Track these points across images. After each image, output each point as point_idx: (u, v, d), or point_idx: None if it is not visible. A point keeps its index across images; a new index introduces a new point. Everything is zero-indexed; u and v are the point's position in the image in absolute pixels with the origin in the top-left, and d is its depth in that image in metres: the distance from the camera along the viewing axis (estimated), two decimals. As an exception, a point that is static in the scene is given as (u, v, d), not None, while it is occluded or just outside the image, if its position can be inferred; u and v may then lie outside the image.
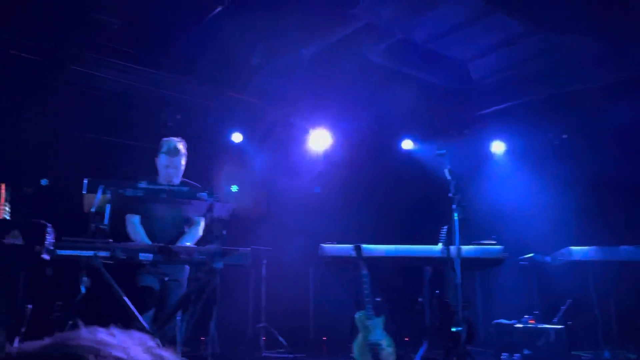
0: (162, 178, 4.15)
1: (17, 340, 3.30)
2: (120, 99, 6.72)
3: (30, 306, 3.61)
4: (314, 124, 7.67)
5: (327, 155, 7.79)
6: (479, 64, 6.45)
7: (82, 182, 3.50)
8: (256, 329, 6.30)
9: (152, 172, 4.29)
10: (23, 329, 3.47)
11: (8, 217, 3.52)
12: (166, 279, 4.00)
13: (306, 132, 7.75)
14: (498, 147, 7.66)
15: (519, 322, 5.43)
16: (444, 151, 4.24)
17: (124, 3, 5.22)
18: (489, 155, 7.69)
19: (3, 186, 3.47)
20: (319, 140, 7.72)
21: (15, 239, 3.19)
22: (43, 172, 6.26)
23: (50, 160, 6.40)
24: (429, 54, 6.29)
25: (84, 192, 3.31)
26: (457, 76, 6.81)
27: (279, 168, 7.65)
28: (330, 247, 4.80)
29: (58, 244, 3.21)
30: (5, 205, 3.47)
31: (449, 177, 4.08)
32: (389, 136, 8.01)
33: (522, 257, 5.95)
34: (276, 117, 7.72)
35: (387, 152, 7.98)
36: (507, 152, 7.60)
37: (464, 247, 4.44)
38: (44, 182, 5.44)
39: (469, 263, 4.55)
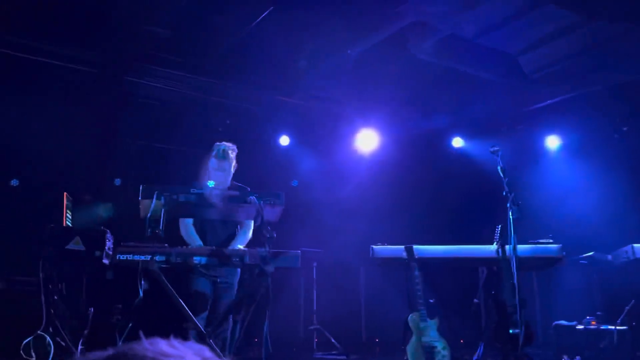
0: (212, 182, 4.22)
1: (80, 342, 3.44)
2: (171, 107, 6.92)
3: (92, 309, 3.76)
4: (361, 125, 7.64)
5: (375, 155, 7.74)
6: (530, 57, 6.26)
7: (135, 188, 3.61)
8: (308, 330, 6.33)
9: (203, 177, 4.39)
10: (86, 332, 3.62)
11: (70, 224, 3.68)
12: (218, 281, 4.08)
13: (354, 132, 7.73)
14: (553, 142, 7.41)
15: (580, 324, 5.22)
16: (497, 148, 4.13)
17: (174, 13, 5.35)
18: (544, 151, 7.44)
19: (65, 195, 3.62)
20: (367, 140, 7.69)
21: (77, 245, 3.32)
22: (100, 179, 6.53)
23: (107, 167, 6.67)
24: (478, 48, 6.15)
25: (139, 198, 3.41)
26: (508, 70, 6.63)
27: (326, 169, 7.66)
28: (381, 249, 4.76)
29: (117, 249, 3.33)
30: (68, 213, 3.62)
31: (502, 175, 3.97)
32: (438, 134, 7.88)
33: (581, 255, 5.72)
34: (323, 119, 7.74)
35: (436, 150, 7.86)
36: (563, 147, 7.34)
37: (520, 247, 4.31)
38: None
39: (526, 263, 4.40)
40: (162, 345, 0.79)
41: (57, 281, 3.44)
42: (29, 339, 3.25)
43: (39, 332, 3.24)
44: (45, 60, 5.83)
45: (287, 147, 7.78)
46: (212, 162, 4.20)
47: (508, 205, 3.80)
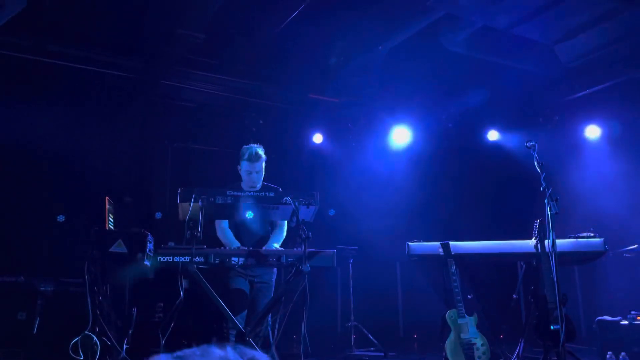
0: (245, 183, 4.28)
1: (125, 342, 3.54)
2: (206, 108, 7.04)
3: (135, 310, 3.87)
4: (395, 120, 7.60)
5: (408, 150, 7.69)
6: (566, 46, 6.09)
7: (172, 189, 3.69)
8: (346, 327, 6.35)
9: (237, 177, 4.45)
10: (130, 332, 3.73)
11: (113, 228, 3.78)
12: (256, 280, 4.13)
13: (387, 128, 7.69)
14: (592, 132, 7.19)
15: (625, 319, 5.07)
16: (533, 143, 4.04)
17: (207, 17, 5.43)
18: (583, 141, 7.24)
19: (107, 199, 3.73)
20: (400, 136, 7.64)
21: (119, 247, 3.43)
22: (138, 181, 6.70)
23: (145, 169, 6.84)
24: (512, 39, 6.02)
25: (178, 201, 3.48)
26: (544, 61, 6.48)
27: (360, 166, 7.65)
28: (417, 245, 4.73)
29: (158, 251, 3.41)
30: (110, 217, 3.73)
31: (539, 171, 3.88)
32: (473, 128, 7.76)
33: (625, 249, 5.55)
34: (356, 116, 7.73)
35: (471, 144, 7.74)
36: (603, 137, 7.11)
37: (561, 241, 4.21)
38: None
39: (567, 257, 4.31)
40: (216, 353, 0.81)
41: (101, 283, 3.55)
42: (76, 339, 3.37)
43: (86, 332, 3.35)
44: (84, 67, 6.01)
45: (320, 145, 7.80)
46: (245, 165, 4.24)
47: (546, 200, 3.72)
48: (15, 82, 5.76)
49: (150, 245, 3.62)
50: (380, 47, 6.20)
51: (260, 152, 4.29)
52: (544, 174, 3.82)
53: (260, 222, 4.23)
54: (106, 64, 6.08)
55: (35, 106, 5.83)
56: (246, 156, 4.23)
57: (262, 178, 4.32)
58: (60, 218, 5.56)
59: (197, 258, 3.38)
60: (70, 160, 5.88)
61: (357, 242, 6.72)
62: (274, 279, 4.29)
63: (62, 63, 5.89)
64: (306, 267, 3.39)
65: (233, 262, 3.53)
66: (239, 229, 4.24)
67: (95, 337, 3.33)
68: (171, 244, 3.59)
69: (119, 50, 6.00)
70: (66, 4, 5.27)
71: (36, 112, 5.79)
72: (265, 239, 4.25)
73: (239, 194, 3.59)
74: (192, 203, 3.44)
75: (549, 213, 3.66)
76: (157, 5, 5.34)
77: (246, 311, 4.06)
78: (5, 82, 5.68)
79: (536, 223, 4.25)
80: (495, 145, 7.67)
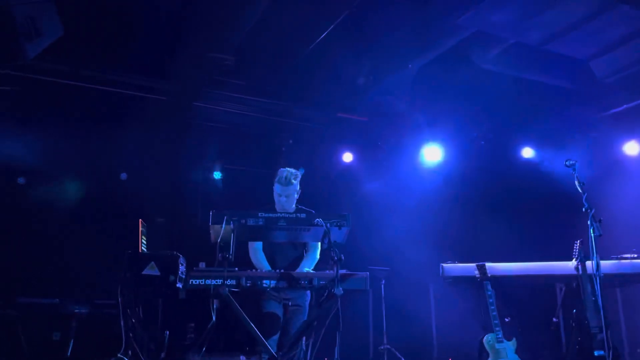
0: (277, 205, 4.29)
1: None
2: (236, 129, 7.12)
3: (167, 333, 3.88)
4: (426, 138, 7.54)
5: (440, 169, 7.60)
6: (602, 61, 5.96)
7: (204, 210, 3.71)
8: (378, 351, 6.25)
9: (271, 197, 4.46)
10: (163, 355, 3.74)
11: (146, 250, 3.82)
12: (290, 304, 4.10)
13: (418, 147, 7.63)
14: (632, 148, 6.99)
15: (673, 345, 4.85)
16: (573, 162, 3.93)
17: (237, 39, 5.51)
18: (622, 158, 7.04)
19: (140, 221, 3.78)
20: (432, 154, 7.57)
21: (152, 270, 3.45)
22: (171, 203, 6.79)
23: (177, 191, 6.93)
24: (545, 55, 5.93)
25: (210, 223, 3.50)
26: (579, 76, 6.35)
27: (391, 185, 7.59)
28: (452, 267, 4.64)
29: (190, 273, 3.42)
30: (143, 239, 3.77)
31: (580, 190, 3.77)
32: (506, 145, 7.63)
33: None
34: (386, 134, 7.70)
35: (505, 162, 7.60)
36: (643, 153, 6.91)
37: (602, 263, 4.07)
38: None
39: (609, 280, 4.17)
40: None
41: (134, 305, 3.58)
42: (110, 361, 3.39)
43: (119, 354, 3.37)
44: (117, 90, 6.16)
45: (350, 164, 7.78)
46: (277, 188, 4.25)
47: (589, 222, 3.60)
48: (51, 107, 5.93)
49: (182, 268, 3.64)
50: (410, 66, 6.18)
51: (292, 177, 4.26)
52: (586, 195, 3.71)
53: (292, 244, 4.22)
54: (139, 87, 6.22)
55: (69, 130, 5.99)
56: (277, 178, 4.24)
57: (294, 202, 4.30)
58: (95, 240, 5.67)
59: (228, 281, 3.38)
60: (104, 183, 6.00)
61: (389, 263, 6.64)
62: (307, 302, 4.26)
63: (96, 87, 6.05)
64: (339, 290, 3.35)
65: (264, 285, 3.52)
66: (272, 251, 4.24)
67: (128, 360, 3.35)
68: (202, 264, 3.60)
69: (152, 74, 6.13)
70: (100, 30, 5.42)
71: (69, 136, 5.95)
72: (298, 261, 4.24)
73: (270, 215, 3.58)
74: (223, 225, 3.45)
75: (592, 235, 3.55)
76: (189, 29, 5.45)
77: (278, 335, 4.03)
78: (42, 107, 5.86)
79: (576, 244, 4.13)
80: (529, 163, 7.52)
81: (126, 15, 5.20)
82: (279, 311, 4.04)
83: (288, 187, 4.22)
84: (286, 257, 4.25)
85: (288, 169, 4.33)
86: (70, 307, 4.35)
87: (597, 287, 3.60)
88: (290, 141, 7.40)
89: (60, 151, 5.87)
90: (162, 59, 5.86)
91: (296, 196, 4.30)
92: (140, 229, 3.77)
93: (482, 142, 7.71)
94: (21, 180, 5.89)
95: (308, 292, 4.25)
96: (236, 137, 7.09)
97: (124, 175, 6.07)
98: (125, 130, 6.26)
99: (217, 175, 6.90)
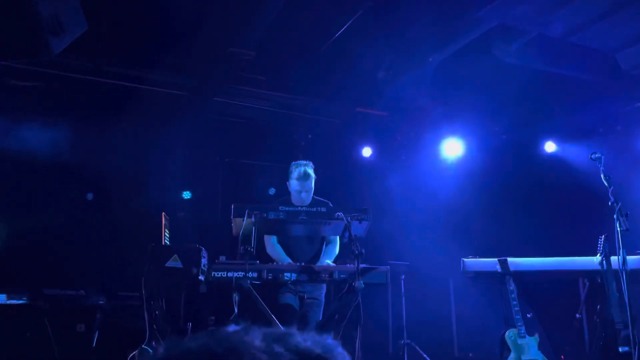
0: (295, 201, 4.31)
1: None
2: (255, 124, 7.17)
3: (190, 324, 3.94)
4: (446, 133, 7.50)
5: (461, 163, 7.56)
6: (629, 53, 5.85)
7: (224, 204, 3.74)
8: (398, 345, 6.25)
9: (286, 191, 4.50)
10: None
11: (169, 243, 3.88)
12: (306, 296, 4.13)
13: (438, 141, 7.60)
14: (658, 142, 6.86)
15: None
16: (599, 155, 3.88)
17: (258, 34, 5.54)
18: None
19: (163, 215, 3.84)
20: (452, 148, 7.53)
21: (175, 262, 3.51)
22: (192, 197, 6.87)
23: (197, 185, 7.00)
24: (569, 47, 5.84)
25: (232, 216, 3.54)
26: (604, 68, 6.25)
27: (410, 179, 7.58)
28: (473, 262, 4.62)
29: (212, 266, 3.47)
30: (166, 232, 3.83)
31: (606, 184, 3.72)
32: (528, 139, 7.55)
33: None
34: (406, 129, 7.68)
35: (527, 156, 7.53)
36: (670, 146, 6.78)
37: (630, 258, 4.02)
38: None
39: (636, 275, 4.10)
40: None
41: (158, 297, 3.64)
42: (134, 352, 3.46)
43: (143, 346, 3.43)
44: (138, 86, 6.23)
45: (369, 159, 7.78)
46: (295, 185, 4.28)
47: (615, 216, 3.55)
48: (72, 103, 6.03)
49: (204, 260, 3.69)
50: (430, 59, 6.15)
51: (310, 170, 4.31)
52: (612, 188, 3.65)
53: (312, 237, 4.25)
54: (160, 83, 6.29)
55: (92, 126, 6.09)
56: (295, 175, 4.27)
57: (312, 193, 4.34)
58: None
59: (250, 273, 3.42)
60: (127, 178, 6.09)
61: (409, 257, 6.64)
62: (323, 295, 4.30)
63: (117, 83, 6.14)
64: (359, 284, 3.37)
65: (286, 278, 3.55)
66: (290, 244, 4.28)
67: (152, 351, 3.40)
68: (222, 258, 3.65)
69: (172, 69, 6.20)
70: (122, 26, 5.50)
71: (92, 131, 6.05)
72: (317, 255, 4.27)
73: (291, 209, 3.62)
74: (245, 218, 3.49)
75: (618, 229, 3.50)
76: (210, 25, 5.49)
77: (295, 327, 4.07)
78: (63, 103, 5.96)
79: (601, 239, 4.08)
80: (552, 157, 7.43)
81: (147, 10, 5.27)
82: (295, 303, 4.08)
83: (307, 181, 4.25)
84: (303, 251, 4.30)
85: (300, 162, 4.36)
86: (95, 298, 4.44)
87: (623, 283, 3.56)
88: (310, 136, 7.42)
89: (81, 145, 5.97)
90: (183, 55, 5.93)
91: (313, 188, 4.33)
92: (163, 222, 3.83)
93: (504, 136, 7.64)
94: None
95: (324, 285, 4.29)
96: (255, 132, 7.13)
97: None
98: (147, 125, 6.35)
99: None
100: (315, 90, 6.88)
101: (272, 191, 6.77)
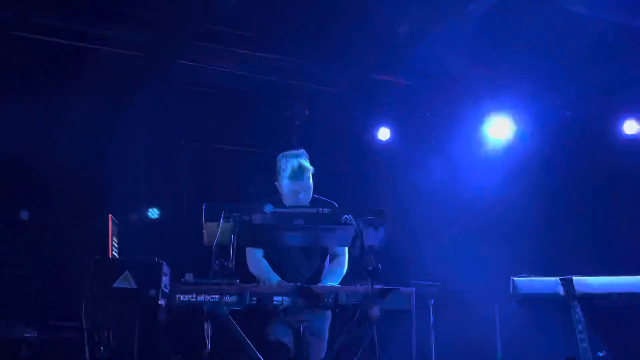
0: (288, 202, 4.31)
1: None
2: (233, 96, 7.16)
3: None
4: (490, 108, 7.50)
5: (510, 150, 7.56)
6: None
7: (190, 203, 3.74)
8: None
9: (274, 188, 4.50)
10: (141, 393, 3.81)
11: (117, 255, 3.88)
12: (302, 329, 4.12)
13: (479, 120, 7.60)
14: None
15: None
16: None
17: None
18: None
19: (111, 217, 3.83)
20: (498, 130, 7.53)
21: (126, 282, 3.51)
22: (147, 194, 6.87)
23: (156, 178, 7.00)
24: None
25: (203, 220, 3.53)
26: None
27: (442, 172, 7.59)
28: (526, 282, 4.61)
29: (176, 286, 3.47)
30: (114, 241, 3.83)
31: None
32: (601, 117, 7.54)
33: None
34: (436, 103, 7.68)
35: (599, 139, 7.52)
36: None
37: None
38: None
39: None
40: None
41: (103, 328, 3.65)
42: (72, 402, 3.47)
43: (83, 393, 3.45)
44: (75, 43, 6.19)
45: (387, 143, 7.79)
46: (288, 185, 4.27)
47: None
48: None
49: (165, 279, 3.69)
50: (470, 8, 6.14)
51: (305, 162, 4.29)
52: None
53: (311, 250, 4.26)
54: (104, 40, 6.25)
55: (14, 100, 6.06)
56: (288, 172, 4.24)
57: (311, 195, 4.34)
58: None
59: (228, 297, 3.41)
60: (59, 168, 6.08)
61: (440, 276, 6.65)
62: (326, 327, 4.29)
63: (49, 39, 6.10)
64: (374, 310, 3.36)
65: (276, 304, 3.54)
66: (281, 259, 4.27)
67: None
68: (189, 276, 3.64)
69: (121, 22, 6.15)
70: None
71: (13, 108, 6.03)
72: (317, 273, 4.29)
73: (284, 211, 3.61)
74: (221, 223, 3.48)
75: None
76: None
77: (289, 370, 4.08)
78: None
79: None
80: (633, 141, 7.43)
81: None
82: (288, 338, 4.06)
83: (304, 177, 4.26)
84: (299, 268, 4.29)
85: (289, 153, 4.34)
86: (20, 330, 4.45)
87: None
88: (307, 112, 7.41)
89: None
90: (140, 5, 5.87)
91: (311, 190, 4.32)
92: (110, 227, 3.82)
93: (568, 113, 7.64)
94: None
95: (328, 313, 4.28)
96: (234, 106, 7.12)
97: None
98: (86, 96, 6.32)
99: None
100: (315, 50, 6.87)
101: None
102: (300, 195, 4.25)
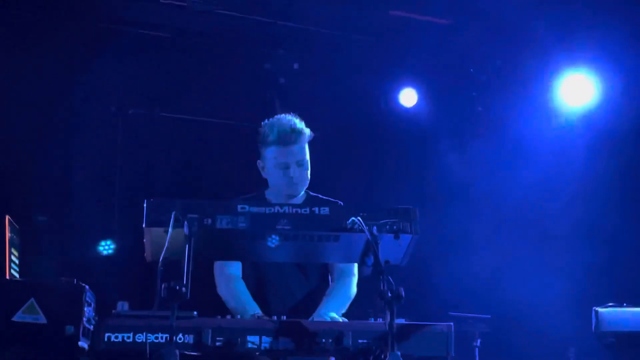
0: (274, 191, 4.35)
1: None
2: (190, 42, 7.14)
3: None
4: (564, 65, 7.50)
5: (587, 121, 7.56)
6: None
7: (126, 200, 3.69)
8: None
9: (255, 180, 4.51)
10: None
11: (17, 275, 3.86)
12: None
13: (548, 79, 7.60)
14: None
15: None
16: None
17: None
18: None
19: (8, 220, 3.81)
20: (575, 94, 7.53)
21: (32, 314, 3.49)
22: (62, 185, 6.85)
23: (75, 162, 6.98)
24: None
25: (144, 224, 3.51)
26: None
27: (492, 153, 7.59)
28: (615, 314, 4.65)
29: (106, 321, 3.45)
30: (13, 254, 3.80)
31: None
32: None
33: None
34: (486, 54, 7.67)
35: None
36: None
37: None
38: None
39: None
40: None
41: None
42: None
43: None
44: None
45: (413, 111, 7.79)
46: (272, 153, 4.27)
47: None
48: None
49: (89, 310, 3.67)
50: None
51: (301, 126, 4.31)
52: None
53: (304, 267, 4.29)
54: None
55: None
56: (274, 136, 4.24)
57: (309, 179, 4.34)
58: None
59: (181, 337, 3.40)
60: None
61: (490, 306, 6.67)
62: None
63: None
64: (395, 357, 3.36)
65: (250, 345, 3.54)
66: (262, 280, 4.32)
67: None
68: (124, 305, 3.62)
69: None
70: None
71: None
72: (313, 299, 4.30)
73: (262, 210, 3.59)
74: (170, 229, 3.46)
75: None
76: None
77: None
78: None
79: None
80: None
81: None
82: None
83: (297, 142, 4.26)
84: (287, 292, 4.34)
85: (281, 115, 4.35)
86: None
87: None
88: (296, 66, 7.41)
89: None
90: None
91: (309, 170, 4.32)
92: (7, 234, 3.80)
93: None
94: None
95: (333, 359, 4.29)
96: (191, 57, 7.11)
97: None
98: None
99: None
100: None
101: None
102: (290, 172, 4.24)
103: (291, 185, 4.28)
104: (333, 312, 4.16)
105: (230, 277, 4.28)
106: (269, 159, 4.32)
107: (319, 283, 4.39)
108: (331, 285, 4.37)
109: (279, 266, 4.26)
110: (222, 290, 4.29)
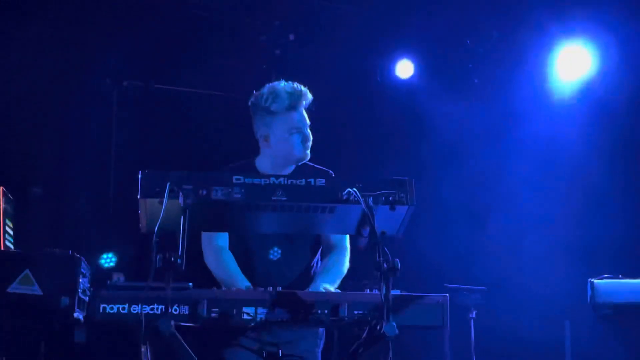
0: (284, 157, 4.32)
1: None
2: (183, 13, 7.13)
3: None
4: (562, 33, 7.48)
5: (585, 93, 7.55)
6: None
7: (120, 170, 3.68)
8: None
9: (246, 150, 4.51)
10: None
11: (12, 247, 3.86)
12: (282, 354, 4.13)
13: (546, 49, 7.59)
14: None
15: None
16: None
17: None
18: None
19: (2, 191, 3.81)
20: (574, 67, 7.52)
21: (27, 285, 3.49)
22: (57, 156, 6.85)
23: (67, 132, 6.98)
24: None
25: (138, 195, 3.51)
26: None
27: (488, 127, 7.59)
28: (612, 285, 4.67)
29: (101, 292, 3.46)
30: (7, 225, 3.81)
31: None
32: None
33: None
34: (483, 23, 7.65)
35: None
36: None
37: None
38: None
39: None
40: None
41: (-6, 352, 3.65)
42: None
43: None
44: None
45: (409, 83, 7.79)
46: (282, 120, 4.25)
47: None
48: None
49: (84, 281, 3.68)
50: None
51: (303, 87, 4.30)
52: None
53: (296, 239, 4.29)
54: None
55: None
56: (284, 102, 4.19)
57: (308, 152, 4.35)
58: None
59: (176, 308, 3.41)
60: None
61: (485, 277, 6.70)
62: (319, 352, 4.33)
63: None
64: (391, 327, 3.37)
65: (245, 317, 3.54)
66: (254, 252, 4.32)
67: None
68: (120, 277, 3.63)
69: None
70: None
71: None
72: (305, 271, 4.32)
73: (257, 181, 3.59)
74: (165, 199, 3.46)
75: None
76: None
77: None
78: None
79: None
80: None
81: None
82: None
83: (305, 108, 4.28)
84: (282, 268, 4.32)
85: (279, 83, 4.33)
86: None
87: None
88: (292, 37, 7.39)
89: None
90: None
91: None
92: (1, 205, 3.80)
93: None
94: None
95: (322, 332, 4.30)
96: (184, 28, 7.09)
97: None
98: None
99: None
100: None
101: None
102: (303, 134, 4.24)
103: (307, 149, 4.29)
104: (328, 283, 4.16)
105: (218, 249, 4.27)
106: (279, 126, 4.28)
107: (308, 256, 4.37)
108: (324, 260, 4.36)
109: (266, 238, 4.26)
110: (210, 261, 4.29)
